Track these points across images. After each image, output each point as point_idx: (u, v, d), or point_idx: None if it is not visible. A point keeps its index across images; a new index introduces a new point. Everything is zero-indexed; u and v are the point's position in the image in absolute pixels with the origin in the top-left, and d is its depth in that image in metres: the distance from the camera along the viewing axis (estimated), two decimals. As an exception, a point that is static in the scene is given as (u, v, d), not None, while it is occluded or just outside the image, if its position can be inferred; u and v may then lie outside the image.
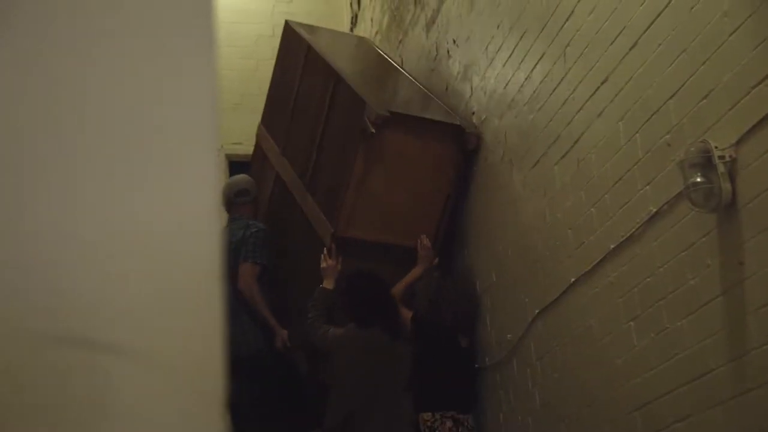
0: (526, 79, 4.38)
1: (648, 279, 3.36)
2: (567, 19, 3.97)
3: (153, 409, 0.72)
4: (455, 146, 5.02)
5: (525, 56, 4.40)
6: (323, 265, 4.92)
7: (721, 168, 2.87)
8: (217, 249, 0.77)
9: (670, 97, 3.21)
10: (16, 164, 0.71)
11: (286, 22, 6.24)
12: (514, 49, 4.53)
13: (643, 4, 3.39)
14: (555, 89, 4.07)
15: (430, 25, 5.87)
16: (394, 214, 4.99)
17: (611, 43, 3.60)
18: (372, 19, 7.34)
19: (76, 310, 0.70)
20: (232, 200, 5.56)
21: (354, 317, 4.73)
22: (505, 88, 4.63)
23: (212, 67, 0.79)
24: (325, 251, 4.96)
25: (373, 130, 4.80)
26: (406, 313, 4.85)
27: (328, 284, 4.90)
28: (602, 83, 3.67)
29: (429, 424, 4.59)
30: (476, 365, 4.84)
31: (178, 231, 0.76)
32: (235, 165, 7.12)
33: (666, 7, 3.24)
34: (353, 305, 4.76)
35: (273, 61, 7.01)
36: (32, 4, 0.75)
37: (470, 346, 4.86)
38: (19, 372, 0.68)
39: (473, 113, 5.05)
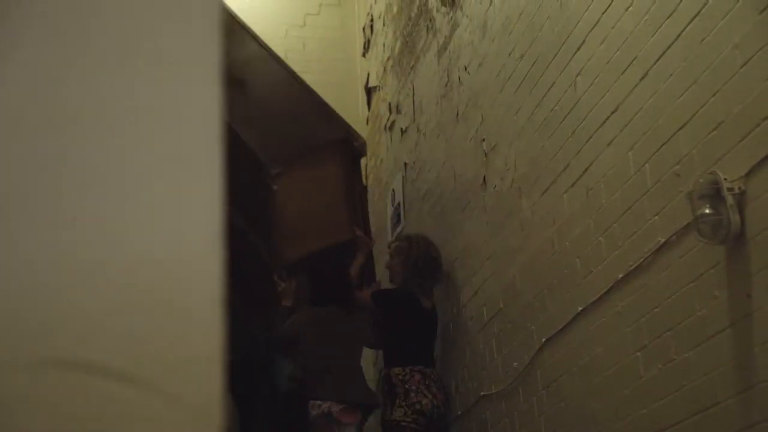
0: (536, 106, 4.39)
1: (656, 309, 3.35)
2: (578, 49, 3.98)
3: (151, 433, 0.72)
4: (348, 150, 5.58)
5: (536, 84, 4.40)
6: (280, 288, 5.50)
7: (730, 200, 2.86)
8: (219, 274, 0.77)
9: (680, 128, 3.21)
10: (14, 187, 0.71)
11: None
12: (525, 76, 4.54)
13: (654, 34, 3.39)
14: (565, 118, 4.08)
15: (442, 51, 5.89)
16: (322, 223, 5.51)
17: (622, 73, 3.61)
18: (384, 45, 7.37)
19: (75, 334, 0.70)
20: None
21: (312, 298, 5.37)
22: (515, 115, 4.64)
23: (216, 93, 0.79)
24: (275, 276, 5.54)
25: (275, 186, 5.28)
26: (365, 294, 5.47)
27: (288, 302, 5.48)
28: (612, 113, 3.67)
29: (400, 377, 5.15)
30: (437, 325, 5.43)
31: (181, 255, 0.76)
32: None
33: (677, 38, 3.25)
34: (312, 288, 5.40)
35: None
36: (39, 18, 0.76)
37: (433, 308, 5.39)
38: (16, 396, 0.68)
39: (483, 140, 5.06)
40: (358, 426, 5.16)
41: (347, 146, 5.52)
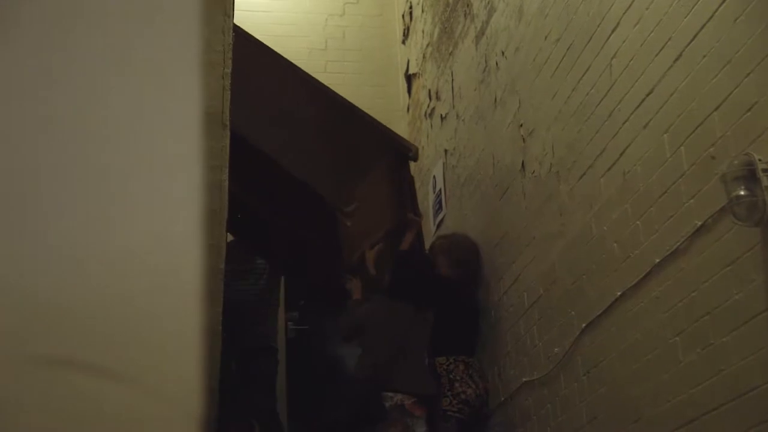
0: (572, 90, 4.35)
1: (693, 294, 3.31)
2: (613, 31, 3.94)
3: (134, 430, 0.73)
4: (399, 161, 5.72)
5: (572, 68, 4.37)
6: (348, 285, 5.62)
7: (765, 181, 2.82)
8: (200, 270, 0.78)
9: (715, 110, 3.16)
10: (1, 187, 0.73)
11: None
12: (561, 60, 4.51)
13: (687, 15, 3.35)
14: (601, 101, 4.04)
15: (479, 37, 5.86)
16: (381, 216, 5.68)
17: (656, 55, 3.56)
18: (423, 31, 7.35)
19: (55, 332, 0.72)
20: None
21: (391, 291, 5.42)
22: (552, 99, 4.61)
23: (198, 88, 0.81)
24: (344, 274, 5.70)
25: (349, 223, 5.44)
26: None
27: (357, 294, 5.58)
28: (647, 95, 3.63)
29: (445, 366, 5.25)
30: (479, 314, 5.52)
31: (162, 252, 0.77)
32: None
33: (710, 19, 3.20)
34: (393, 281, 5.43)
35: (326, 75, 7.02)
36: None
37: (475, 300, 5.52)
38: (2, 393, 0.70)
39: (521, 125, 5.03)
40: (425, 419, 5.24)
41: (400, 159, 5.71)
